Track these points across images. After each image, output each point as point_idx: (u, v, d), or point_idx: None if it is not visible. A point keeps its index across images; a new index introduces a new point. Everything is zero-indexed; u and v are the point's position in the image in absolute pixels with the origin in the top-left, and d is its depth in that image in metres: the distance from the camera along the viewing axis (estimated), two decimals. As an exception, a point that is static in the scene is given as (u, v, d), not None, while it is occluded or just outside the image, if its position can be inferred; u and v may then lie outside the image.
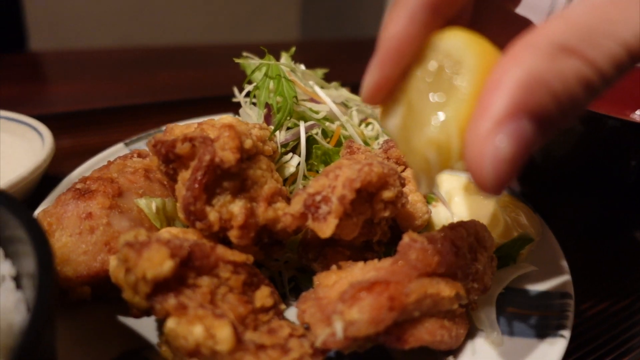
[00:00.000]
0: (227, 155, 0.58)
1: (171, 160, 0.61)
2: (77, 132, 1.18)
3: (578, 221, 0.92)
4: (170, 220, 0.68)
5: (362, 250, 0.67)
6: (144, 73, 1.71)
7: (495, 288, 0.66)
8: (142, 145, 0.93)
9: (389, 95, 0.44)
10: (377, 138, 0.88)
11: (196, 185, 0.57)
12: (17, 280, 0.42)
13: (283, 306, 0.57)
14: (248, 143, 0.62)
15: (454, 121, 0.37)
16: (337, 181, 0.59)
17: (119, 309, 0.61)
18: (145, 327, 0.60)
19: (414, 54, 0.42)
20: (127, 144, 0.92)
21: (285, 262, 0.73)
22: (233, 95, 0.95)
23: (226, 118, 0.68)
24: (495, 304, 0.64)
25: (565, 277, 0.68)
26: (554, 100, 0.33)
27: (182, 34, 2.55)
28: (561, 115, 0.34)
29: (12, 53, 1.79)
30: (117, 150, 0.89)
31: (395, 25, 0.41)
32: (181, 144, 0.59)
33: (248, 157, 0.63)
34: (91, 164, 0.83)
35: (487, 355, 0.58)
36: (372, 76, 0.43)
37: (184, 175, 0.60)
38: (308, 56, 1.07)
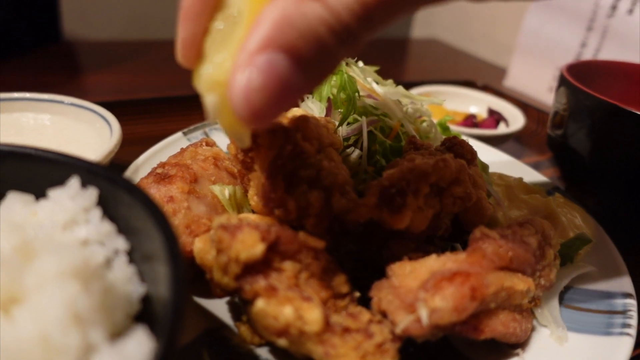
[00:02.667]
0: (307, 146, 0.60)
1: (251, 149, 0.63)
2: (127, 120, 1.20)
3: (630, 224, 0.92)
4: (239, 208, 0.70)
5: (425, 244, 0.69)
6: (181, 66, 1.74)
7: (556, 286, 0.67)
8: (199, 135, 0.96)
9: (198, 56, 0.46)
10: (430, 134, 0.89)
11: (277, 174, 0.59)
12: (130, 254, 0.45)
13: (357, 293, 0.59)
14: (323, 135, 0.64)
15: (228, 61, 0.40)
16: (412, 174, 0.60)
17: (194, 291, 0.63)
18: (219, 308, 0.62)
19: (212, 9, 0.44)
20: (185, 134, 0.94)
21: (346, 252, 0.74)
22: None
23: (298, 110, 0.70)
24: (557, 301, 0.65)
25: (625, 278, 0.69)
26: (300, 38, 0.37)
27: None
28: (314, 55, 0.38)
29: (49, 43, 1.83)
30: (176, 139, 0.92)
31: None
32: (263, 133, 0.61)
33: (322, 148, 0.65)
34: (153, 151, 0.86)
35: (555, 351, 0.59)
36: (178, 36, 0.45)
37: (263, 164, 0.62)
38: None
